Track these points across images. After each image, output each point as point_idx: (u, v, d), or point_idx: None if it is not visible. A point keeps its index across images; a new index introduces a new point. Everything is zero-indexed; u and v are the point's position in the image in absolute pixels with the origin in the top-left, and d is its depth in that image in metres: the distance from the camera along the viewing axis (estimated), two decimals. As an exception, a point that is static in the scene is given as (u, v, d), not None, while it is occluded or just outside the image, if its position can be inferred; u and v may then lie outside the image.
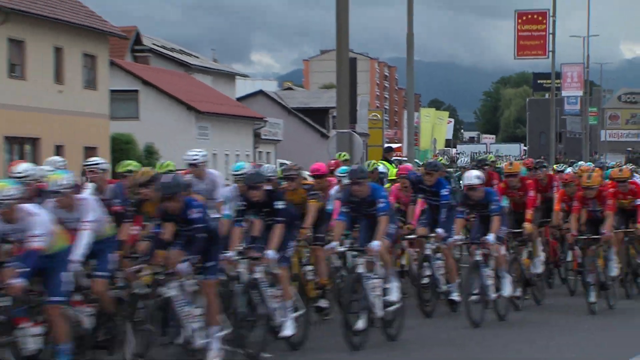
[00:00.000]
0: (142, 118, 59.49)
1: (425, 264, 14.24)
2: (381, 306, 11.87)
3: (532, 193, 15.85)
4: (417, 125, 60.68)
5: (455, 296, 13.94)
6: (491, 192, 14.13)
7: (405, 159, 37.93)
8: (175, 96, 63.18)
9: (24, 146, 44.35)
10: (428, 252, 14.33)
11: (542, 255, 15.89)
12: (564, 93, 77.71)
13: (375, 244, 11.65)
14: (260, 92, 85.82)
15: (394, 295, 12.07)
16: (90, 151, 45.90)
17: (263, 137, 71.13)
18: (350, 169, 14.81)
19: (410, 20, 38.28)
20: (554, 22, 62.96)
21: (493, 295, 13.49)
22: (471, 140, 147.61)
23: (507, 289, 13.73)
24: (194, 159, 13.97)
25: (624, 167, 25.58)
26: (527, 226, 15.27)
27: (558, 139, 71.53)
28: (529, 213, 15.50)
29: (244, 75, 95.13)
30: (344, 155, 19.84)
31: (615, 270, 15.11)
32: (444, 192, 14.10)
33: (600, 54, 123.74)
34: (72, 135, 46.40)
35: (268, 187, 12.04)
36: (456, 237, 13.79)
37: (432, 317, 13.94)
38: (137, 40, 68.41)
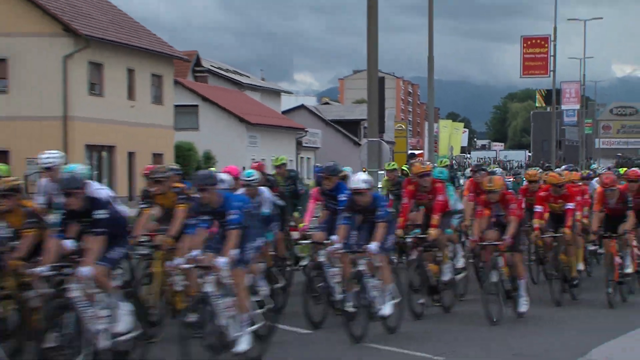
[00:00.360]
0: (201, 128, 59.76)
1: (316, 272, 12.08)
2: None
3: (440, 197, 13.56)
4: (436, 134, 60.67)
5: (350, 307, 11.12)
6: (379, 198, 12.06)
7: (427, 162, 36.77)
8: (229, 110, 63.65)
9: (101, 153, 44.65)
10: (322, 259, 12.16)
11: (450, 263, 13.39)
12: (563, 107, 77.23)
13: (223, 260, 9.15)
14: (302, 107, 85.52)
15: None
16: (157, 157, 46.86)
17: (304, 145, 71.26)
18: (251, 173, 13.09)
19: (430, 44, 37.85)
20: (555, 46, 61.82)
21: (380, 308, 11.18)
22: (483, 148, 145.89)
23: (387, 308, 11.17)
24: (49, 163, 10.82)
25: (561, 168, 22.46)
26: (432, 232, 12.99)
27: (558, 146, 71.09)
28: (434, 218, 13.20)
29: (288, 92, 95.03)
30: (281, 159, 16.90)
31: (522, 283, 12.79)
32: (342, 197, 11.99)
33: (594, 73, 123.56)
34: (142, 144, 46.79)
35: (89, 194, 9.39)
36: (336, 245, 11.14)
37: (321, 328, 11.48)
38: (197, 62, 68.49)
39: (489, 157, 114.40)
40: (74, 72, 42.46)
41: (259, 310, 9.81)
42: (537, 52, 62.69)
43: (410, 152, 44.90)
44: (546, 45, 62.23)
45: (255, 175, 12.40)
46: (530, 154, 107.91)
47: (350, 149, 73.83)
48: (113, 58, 45.86)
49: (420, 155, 44.79)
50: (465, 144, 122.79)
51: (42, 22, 42.18)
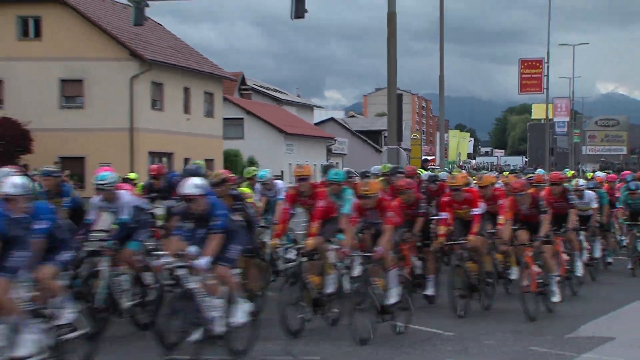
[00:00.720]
0: (246, 138, 60.10)
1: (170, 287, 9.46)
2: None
3: (321, 203, 10.90)
4: (446, 142, 60.54)
5: (218, 327, 8.67)
6: (215, 205, 9.13)
7: (438, 167, 37.84)
8: (270, 122, 63.98)
9: (162, 159, 44.55)
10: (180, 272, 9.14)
11: (335, 274, 10.28)
12: (555, 119, 77.44)
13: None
14: (331, 119, 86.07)
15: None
16: (209, 162, 45.61)
17: (333, 152, 71.88)
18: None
19: (441, 66, 37.67)
20: (548, 67, 60.30)
21: (220, 329, 8.60)
22: (486, 154, 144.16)
23: (238, 317, 8.92)
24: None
25: (461, 172, 19.69)
26: (309, 241, 10.55)
27: (551, 153, 71.01)
28: (313, 226, 10.74)
29: (319, 107, 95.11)
30: (252, 171, 14.58)
31: (394, 295, 9.88)
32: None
33: (582, 90, 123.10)
34: (196, 151, 45.74)
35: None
36: (166, 258, 8.51)
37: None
38: (243, 81, 69.84)
39: (488, 162, 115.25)
40: (138, 91, 43.14)
41: (70, 335, 7.68)
42: (532, 72, 62.30)
43: (424, 157, 44.74)
44: (540, 66, 61.28)
45: (110, 178, 9.75)
46: (526, 160, 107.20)
47: (372, 155, 73.13)
48: (172, 78, 46.51)
49: (433, 160, 44.90)
50: (470, 150, 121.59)
51: (112, 48, 42.84)
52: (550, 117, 66.02)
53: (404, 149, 35.43)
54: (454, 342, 10.16)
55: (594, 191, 15.43)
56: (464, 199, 12.04)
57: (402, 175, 14.09)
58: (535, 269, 11.40)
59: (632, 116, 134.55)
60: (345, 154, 74.57)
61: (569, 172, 26.30)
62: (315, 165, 56.04)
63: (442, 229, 12.14)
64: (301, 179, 11.00)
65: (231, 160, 50.88)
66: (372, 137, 78.96)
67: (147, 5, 28.57)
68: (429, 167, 34.37)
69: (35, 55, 42.61)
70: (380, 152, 58.72)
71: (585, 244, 14.80)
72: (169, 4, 71.78)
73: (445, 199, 12.15)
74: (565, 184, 14.75)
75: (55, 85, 42.71)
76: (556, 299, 11.73)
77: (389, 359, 9.07)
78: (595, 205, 15.36)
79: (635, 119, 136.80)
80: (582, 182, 15.33)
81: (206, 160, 45.28)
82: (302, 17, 25.37)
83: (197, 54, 52.22)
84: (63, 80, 43.02)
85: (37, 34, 43.69)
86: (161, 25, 52.33)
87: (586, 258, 14.70)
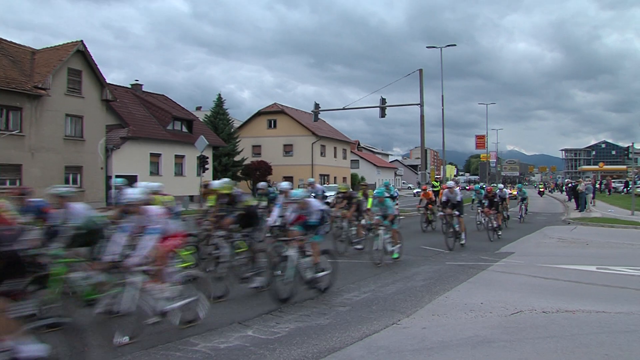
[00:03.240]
0: (360, 168, 78.02)
1: None
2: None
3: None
4: (444, 169, 67.00)
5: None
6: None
7: (441, 180, 39.20)
8: (370, 161, 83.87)
9: (325, 179, 55.65)
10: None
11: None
12: (491, 160, 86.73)
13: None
14: (396, 160, 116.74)
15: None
16: (344, 179, 62.42)
17: (396, 174, 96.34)
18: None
19: (443, 140, 39.43)
20: (487, 139, 75.45)
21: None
22: (461, 175, 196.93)
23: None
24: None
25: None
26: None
27: (488, 174, 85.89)
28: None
29: (390, 154, 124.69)
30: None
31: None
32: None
33: (500, 147, 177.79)
34: (339, 174, 61.60)
35: None
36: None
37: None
38: (359, 144, 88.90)
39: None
40: (316, 150, 56.27)
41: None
42: (480, 140, 75.35)
43: (436, 176, 47.88)
44: (484, 136, 75.15)
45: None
46: (478, 178, 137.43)
47: (413, 176, 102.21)
48: (330, 144, 59.85)
49: (439, 177, 47.37)
50: (455, 173, 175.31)
51: (304, 131, 56.08)
52: (488, 159, 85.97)
53: (427, 173, 38.47)
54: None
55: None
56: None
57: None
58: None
59: (521, 158, 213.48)
60: (402, 175, 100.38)
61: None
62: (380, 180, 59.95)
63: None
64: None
65: (354, 180, 64.30)
66: (414, 167, 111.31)
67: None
68: (438, 180, 37.65)
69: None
70: (417, 174, 72.91)
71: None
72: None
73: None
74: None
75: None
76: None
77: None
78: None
79: (523, 159, 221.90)
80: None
81: (343, 178, 60.09)
82: (384, 117, 32.64)
83: (338, 132, 65.30)
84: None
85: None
86: (324, 120, 63.63)
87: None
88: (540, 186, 78.00)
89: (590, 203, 33.74)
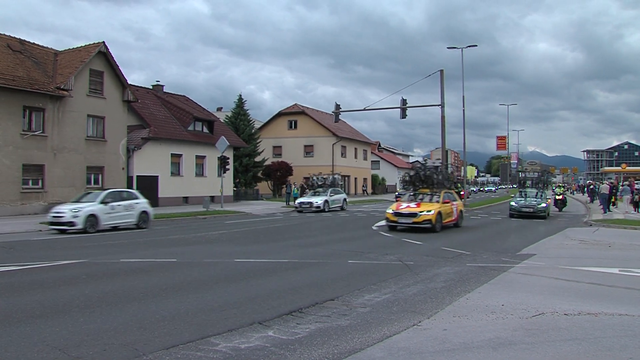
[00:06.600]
0: (380, 169, 79.98)
1: None
2: None
3: None
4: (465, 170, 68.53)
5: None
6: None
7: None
8: (391, 162, 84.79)
9: (346, 178, 59.36)
10: None
11: None
12: (512, 161, 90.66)
13: None
14: (417, 160, 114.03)
15: None
16: (365, 180, 65.44)
17: None
18: None
19: (464, 141, 42.74)
20: (508, 139, 77.40)
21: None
22: (482, 176, 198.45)
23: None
24: None
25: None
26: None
27: (509, 175, 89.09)
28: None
29: (412, 155, 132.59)
30: None
31: None
32: None
33: (521, 148, 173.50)
34: (360, 175, 65.99)
35: None
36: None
37: None
38: (379, 145, 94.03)
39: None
40: (337, 151, 60.02)
41: None
42: (501, 141, 76.44)
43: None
44: (505, 138, 76.32)
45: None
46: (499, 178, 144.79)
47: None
48: (351, 144, 64.07)
49: (461, 178, 50.65)
50: (476, 174, 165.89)
51: (324, 132, 59.32)
52: (509, 160, 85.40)
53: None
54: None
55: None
56: None
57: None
58: None
59: (542, 159, 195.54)
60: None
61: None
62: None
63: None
64: None
65: (374, 179, 70.75)
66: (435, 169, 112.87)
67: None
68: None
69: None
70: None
71: None
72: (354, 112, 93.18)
73: None
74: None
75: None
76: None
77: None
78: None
79: (544, 161, 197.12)
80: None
81: (364, 179, 63.46)
82: (405, 117, 35.76)
83: (360, 134, 68.89)
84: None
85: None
86: (344, 121, 67.06)
87: None
88: (558, 190, 48.52)
89: (613, 205, 33.73)
